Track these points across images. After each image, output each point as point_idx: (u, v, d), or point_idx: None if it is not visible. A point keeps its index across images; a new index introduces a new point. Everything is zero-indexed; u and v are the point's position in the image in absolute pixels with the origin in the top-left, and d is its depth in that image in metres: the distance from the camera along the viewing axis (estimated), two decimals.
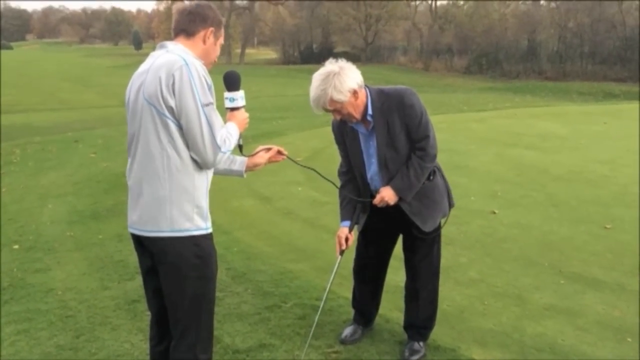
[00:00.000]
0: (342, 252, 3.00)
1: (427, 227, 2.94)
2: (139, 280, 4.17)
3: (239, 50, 53.45)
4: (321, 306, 3.15)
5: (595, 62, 29.57)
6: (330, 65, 2.70)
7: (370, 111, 2.78)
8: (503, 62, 33.89)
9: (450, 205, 3.07)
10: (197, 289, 2.18)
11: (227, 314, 3.58)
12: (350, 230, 3.01)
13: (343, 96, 2.66)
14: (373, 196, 2.94)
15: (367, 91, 2.79)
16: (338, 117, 2.79)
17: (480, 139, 9.93)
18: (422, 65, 41.04)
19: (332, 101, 2.67)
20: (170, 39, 2.27)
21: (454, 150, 8.48)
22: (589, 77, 27.66)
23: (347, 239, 2.97)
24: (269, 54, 58.62)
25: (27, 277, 4.34)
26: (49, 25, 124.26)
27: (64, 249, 4.97)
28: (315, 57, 45.41)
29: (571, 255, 4.54)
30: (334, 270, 3.05)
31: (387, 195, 2.85)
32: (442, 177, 3.04)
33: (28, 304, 3.86)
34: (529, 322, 3.48)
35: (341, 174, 3.10)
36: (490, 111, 14.66)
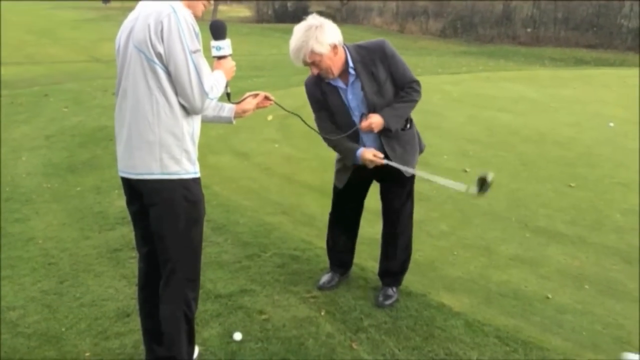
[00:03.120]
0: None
1: (408, 172, 3.08)
2: (119, 230, 4.26)
3: (211, 7, 52.08)
4: None
5: (568, 28, 29.78)
6: (313, 19, 2.77)
7: (351, 64, 2.86)
8: (478, 26, 33.79)
9: (421, 150, 3.22)
10: (186, 230, 2.27)
11: (208, 262, 3.69)
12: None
13: (324, 49, 2.73)
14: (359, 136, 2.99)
15: (345, 49, 2.88)
16: (316, 72, 2.84)
17: (454, 100, 10.08)
18: (398, 27, 40.58)
19: (313, 53, 2.73)
20: None
21: (429, 111, 8.59)
22: (562, 43, 27.88)
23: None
24: (242, 11, 57.00)
25: (6, 226, 4.35)
26: None
27: (42, 200, 4.97)
28: (290, 15, 44.41)
29: (537, 211, 4.77)
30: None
31: (375, 121, 2.89)
32: (414, 125, 3.19)
33: (9, 252, 3.90)
34: (494, 271, 3.69)
35: (327, 134, 3.03)
36: (465, 74, 14.78)
